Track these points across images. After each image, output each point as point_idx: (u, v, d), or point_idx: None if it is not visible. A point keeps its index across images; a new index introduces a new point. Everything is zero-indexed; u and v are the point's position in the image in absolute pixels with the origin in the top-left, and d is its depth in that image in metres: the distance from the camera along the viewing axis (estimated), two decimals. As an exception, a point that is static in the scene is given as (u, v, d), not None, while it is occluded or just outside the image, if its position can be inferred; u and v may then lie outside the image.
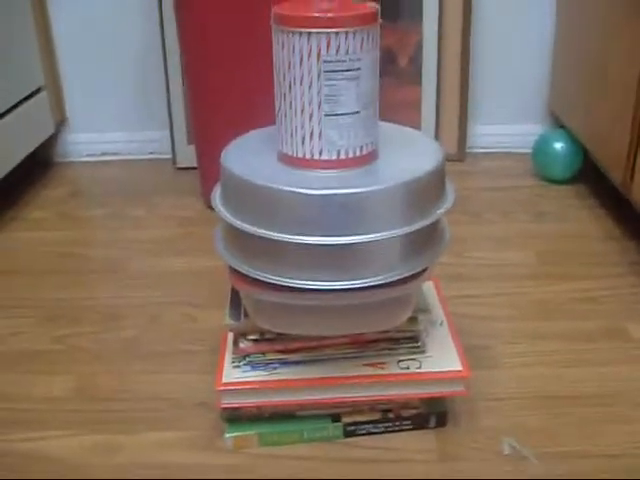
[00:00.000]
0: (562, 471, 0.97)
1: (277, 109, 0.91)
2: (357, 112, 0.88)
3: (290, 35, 0.84)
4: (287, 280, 0.87)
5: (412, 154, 0.94)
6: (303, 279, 0.87)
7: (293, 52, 0.85)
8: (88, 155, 2.14)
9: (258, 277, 0.89)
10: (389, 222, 0.86)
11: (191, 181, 1.91)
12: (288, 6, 0.87)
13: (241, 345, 1.01)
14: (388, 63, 1.95)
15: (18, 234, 1.70)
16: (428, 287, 1.17)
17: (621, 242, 1.56)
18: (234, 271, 0.93)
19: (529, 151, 1.94)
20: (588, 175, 1.85)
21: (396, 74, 1.97)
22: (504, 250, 1.55)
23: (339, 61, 0.85)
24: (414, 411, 1.04)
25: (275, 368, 1.01)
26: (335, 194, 0.84)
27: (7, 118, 1.74)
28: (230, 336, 1.06)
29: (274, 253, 0.87)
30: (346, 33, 0.84)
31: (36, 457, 1.03)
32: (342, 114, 0.87)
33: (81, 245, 1.64)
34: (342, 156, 0.89)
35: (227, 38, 1.58)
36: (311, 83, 0.85)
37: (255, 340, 1.01)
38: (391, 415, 1.04)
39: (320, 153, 0.88)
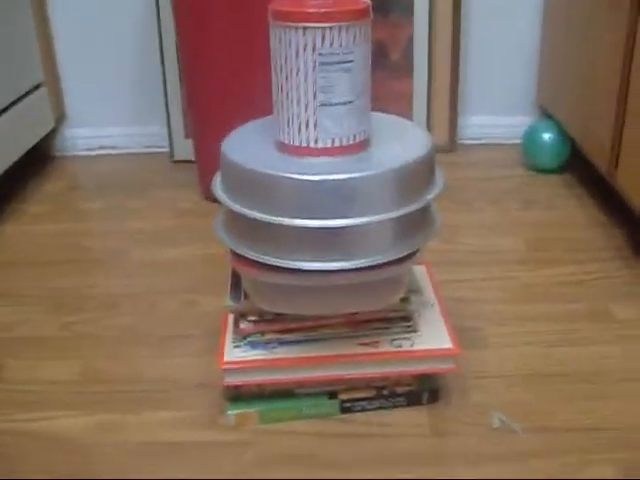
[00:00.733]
0: (547, 444, 1.02)
1: (274, 100, 0.95)
2: (350, 102, 0.92)
3: (287, 30, 0.89)
4: (285, 261, 0.92)
5: (403, 142, 0.99)
6: (300, 260, 0.92)
7: (289, 46, 0.90)
8: (87, 149, 2.18)
9: (257, 259, 0.94)
10: (381, 206, 0.91)
11: (188, 174, 1.95)
12: (284, 2, 0.91)
13: (241, 326, 1.06)
14: (381, 57, 2.00)
15: (20, 227, 1.74)
16: (420, 271, 1.22)
17: (606, 228, 1.61)
18: (235, 254, 0.97)
19: (518, 142, 1.99)
20: (575, 164, 1.90)
21: (388, 67, 2.02)
22: (494, 237, 1.60)
23: (333, 54, 0.89)
24: (407, 388, 1.09)
25: (274, 347, 1.05)
26: (329, 179, 0.89)
27: (8, 114, 1.78)
28: (231, 317, 1.10)
29: (272, 236, 0.92)
30: (339, 27, 0.88)
31: (44, 436, 1.07)
32: (336, 104, 0.91)
33: (81, 236, 1.68)
34: (336, 144, 0.93)
35: (224, 32, 1.62)
36: (306, 75, 0.90)
37: (255, 321, 1.05)
38: (385, 392, 1.09)
39: (315, 141, 0.93)
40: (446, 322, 1.10)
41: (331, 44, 0.89)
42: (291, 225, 0.90)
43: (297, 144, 0.94)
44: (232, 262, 1.01)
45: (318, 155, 0.94)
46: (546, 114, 2.02)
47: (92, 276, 1.51)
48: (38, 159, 2.12)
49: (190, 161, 1.94)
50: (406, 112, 2.03)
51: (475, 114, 2.13)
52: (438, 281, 1.22)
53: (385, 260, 0.93)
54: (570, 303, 1.34)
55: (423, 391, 1.09)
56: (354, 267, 0.92)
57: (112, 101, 2.14)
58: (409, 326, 1.07)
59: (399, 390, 1.09)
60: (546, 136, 1.88)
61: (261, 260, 0.94)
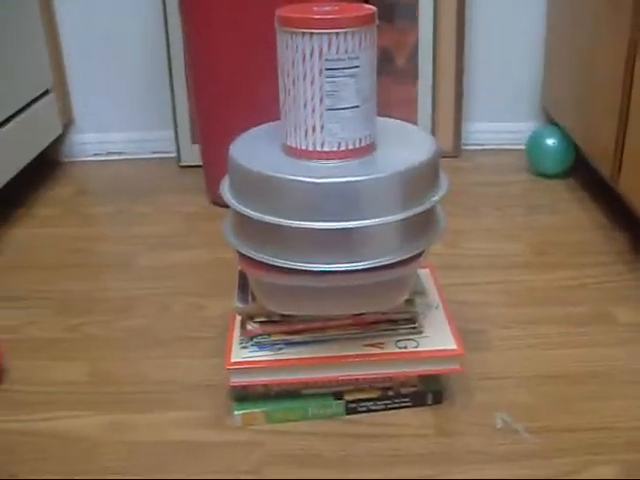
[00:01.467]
0: (551, 444, 1.03)
1: (282, 104, 0.97)
2: (357, 106, 0.94)
3: (294, 36, 0.91)
4: (292, 263, 0.94)
5: (408, 146, 1.01)
6: (307, 262, 0.93)
7: (296, 51, 0.91)
8: (95, 155, 2.20)
9: (265, 261, 0.95)
10: (387, 208, 0.92)
11: (195, 179, 1.97)
12: (291, 9, 0.93)
13: (248, 327, 1.07)
14: (386, 63, 2.02)
15: (29, 230, 1.76)
16: (425, 274, 1.23)
17: (609, 232, 1.62)
18: (243, 256, 0.99)
19: (522, 147, 2.01)
20: (579, 169, 1.92)
21: (394, 73, 2.04)
22: (498, 241, 1.62)
23: (339, 59, 0.91)
24: (412, 389, 1.10)
25: (280, 348, 1.07)
26: (336, 182, 0.91)
27: (16, 120, 1.80)
28: (238, 319, 1.12)
29: (280, 238, 0.94)
30: (345, 33, 0.90)
31: (56, 435, 1.09)
32: (342, 108, 0.93)
33: (90, 240, 1.70)
34: (342, 147, 0.95)
35: (231, 39, 1.64)
36: (313, 80, 0.92)
37: (262, 322, 1.07)
38: (390, 393, 1.10)
39: (322, 145, 0.95)
40: (450, 324, 1.12)
41: (337, 50, 0.90)
42: (298, 227, 0.91)
43: (304, 148, 0.96)
44: (240, 264, 1.03)
45: (325, 158, 0.95)
46: (550, 120, 2.04)
47: (101, 279, 1.52)
48: (46, 165, 2.14)
49: (197, 166, 1.96)
50: (411, 118, 2.05)
51: (479, 120, 2.15)
52: (443, 285, 1.23)
53: (391, 261, 0.94)
54: (573, 306, 1.35)
55: (428, 392, 1.11)
56: (360, 268, 0.93)
57: (119, 107, 2.16)
58: (414, 327, 1.09)
59: (404, 391, 1.10)
60: (550, 142, 1.89)
61: (269, 262, 0.95)
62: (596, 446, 1.02)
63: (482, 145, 2.16)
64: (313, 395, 1.10)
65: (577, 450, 1.02)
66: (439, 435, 1.06)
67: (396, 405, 1.11)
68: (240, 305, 1.08)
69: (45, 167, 2.12)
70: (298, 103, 0.94)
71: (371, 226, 0.92)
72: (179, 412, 1.13)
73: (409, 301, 1.08)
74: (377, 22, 0.94)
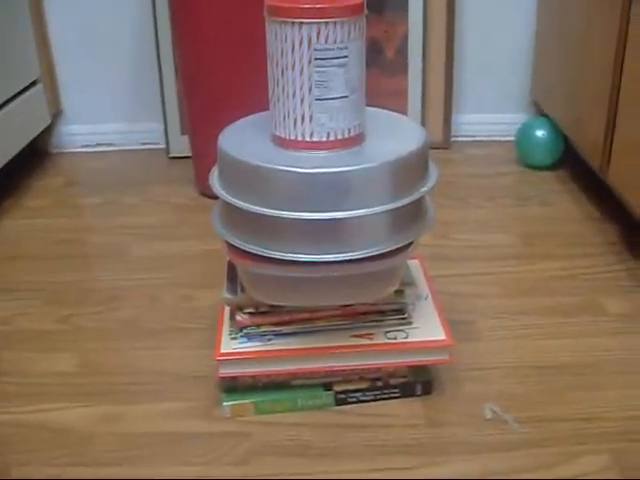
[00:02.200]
0: (540, 434, 1.03)
1: (270, 94, 0.97)
2: (345, 97, 0.94)
3: (282, 25, 0.90)
4: (281, 253, 0.93)
5: (397, 136, 1.00)
6: (296, 252, 0.93)
7: (285, 41, 0.91)
8: (83, 146, 2.19)
9: (254, 251, 0.95)
10: (375, 199, 0.92)
11: (184, 170, 1.96)
12: (280, -2, 0.93)
13: (238, 318, 1.07)
14: (376, 54, 2.01)
15: (18, 222, 1.75)
16: (414, 265, 1.23)
17: (599, 224, 1.63)
18: (231, 247, 0.99)
19: (512, 139, 2.01)
20: (569, 161, 1.92)
21: (384, 65, 2.03)
22: (488, 232, 1.62)
23: (328, 49, 0.91)
24: (401, 380, 1.10)
25: (270, 339, 1.07)
26: (325, 172, 0.90)
27: (4, 110, 1.79)
28: (227, 310, 1.12)
29: (269, 228, 0.94)
30: (334, 23, 0.90)
31: (46, 427, 1.08)
32: (331, 98, 0.93)
33: (79, 231, 1.70)
34: (331, 138, 0.95)
35: (220, 29, 1.63)
36: (302, 70, 0.91)
37: (251, 313, 1.07)
38: (380, 384, 1.10)
39: (311, 135, 0.94)
40: (440, 314, 1.12)
41: (326, 39, 0.90)
42: (287, 217, 0.91)
43: (293, 138, 0.95)
44: (228, 254, 1.03)
45: (314, 149, 0.95)
46: (540, 111, 2.04)
47: (90, 270, 1.52)
48: (36, 156, 2.13)
49: (186, 157, 1.96)
50: (401, 110, 2.05)
51: (469, 112, 2.15)
52: (433, 276, 1.23)
53: (380, 252, 0.94)
54: (563, 297, 1.36)
55: (417, 382, 1.11)
56: (349, 259, 0.93)
57: (108, 98, 2.15)
58: (403, 318, 1.09)
59: (393, 382, 1.10)
60: (540, 133, 1.89)
61: (257, 252, 0.95)
62: (586, 436, 1.03)
63: (472, 137, 2.16)
64: (302, 386, 1.10)
65: (567, 440, 1.02)
66: (428, 426, 1.06)
67: (385, 396, 1.11)
68: (229, 296, 1.07)
69: (34, 158, 2.11)
70: (287, 93, 0.93)
71: (360, 216, 0.92)
72: (169, 403, 1.12)
73: (398, 292, 1.08)
74: (366, 12, 0.94)
